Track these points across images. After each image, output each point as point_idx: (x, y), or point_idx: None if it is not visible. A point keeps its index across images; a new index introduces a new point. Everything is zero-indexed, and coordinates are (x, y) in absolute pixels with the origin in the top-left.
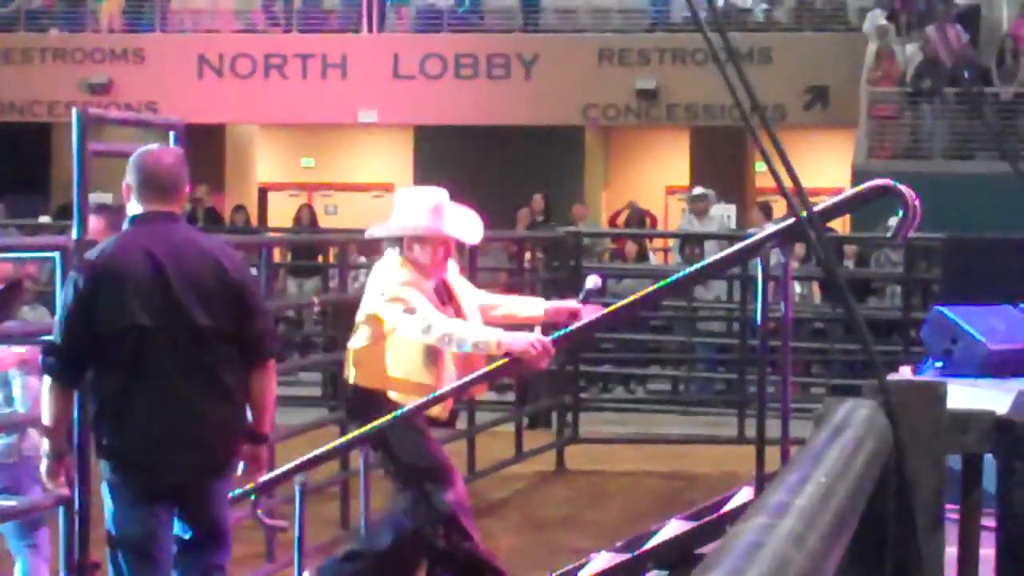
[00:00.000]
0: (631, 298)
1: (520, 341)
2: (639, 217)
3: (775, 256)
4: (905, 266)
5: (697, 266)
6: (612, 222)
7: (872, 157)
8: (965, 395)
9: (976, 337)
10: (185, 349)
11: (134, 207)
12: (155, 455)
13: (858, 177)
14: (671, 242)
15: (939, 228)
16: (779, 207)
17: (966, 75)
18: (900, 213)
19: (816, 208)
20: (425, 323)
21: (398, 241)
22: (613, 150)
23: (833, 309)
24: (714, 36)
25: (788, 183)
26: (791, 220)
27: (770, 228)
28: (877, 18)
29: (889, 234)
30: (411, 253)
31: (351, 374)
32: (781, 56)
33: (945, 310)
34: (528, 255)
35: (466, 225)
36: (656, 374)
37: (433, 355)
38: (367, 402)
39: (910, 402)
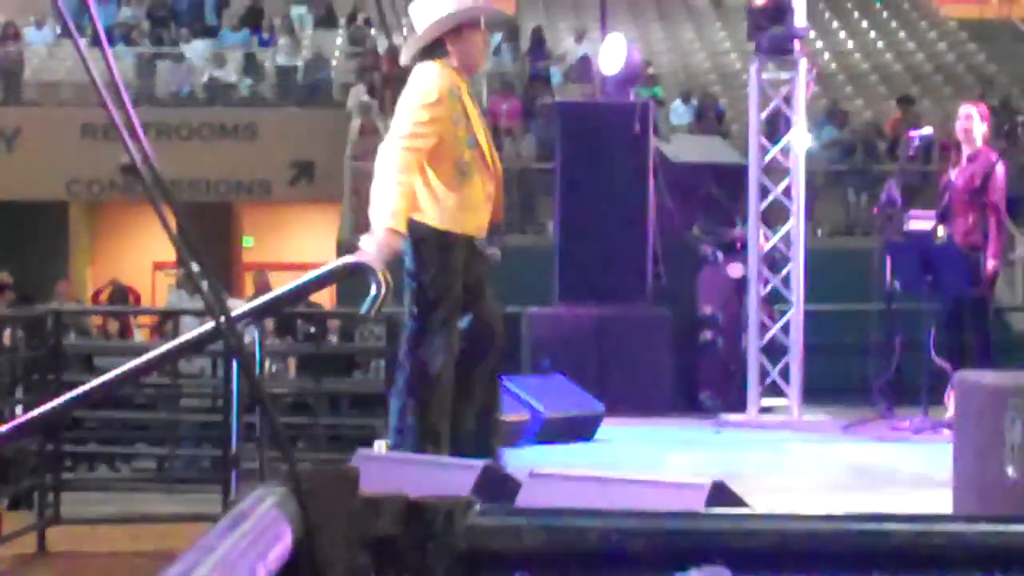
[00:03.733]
0: (109, 375)
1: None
2: (121, 294)
3: (249, 333)
4: (387, 339)
5: (167, 346)
6: (95, 299)
7: (357, 231)
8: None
9: None
10: None
11: None
12: None
13: (343, 251)
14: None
15: None
16: (273, 278)
17: None
18: (372, 290)
19: (285, 289)
20: (397, 158)
21: (434, 48)
22: (99, 226)
23: (317, 383)
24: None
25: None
26: (211, 324)
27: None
28: (359, 94)
29: (361, 311)
30: (454, 52)
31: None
32: (266, 131)
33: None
34: (8, 333)
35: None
36: (141, 452)
37: (465, 171)
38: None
39: (322, 487)
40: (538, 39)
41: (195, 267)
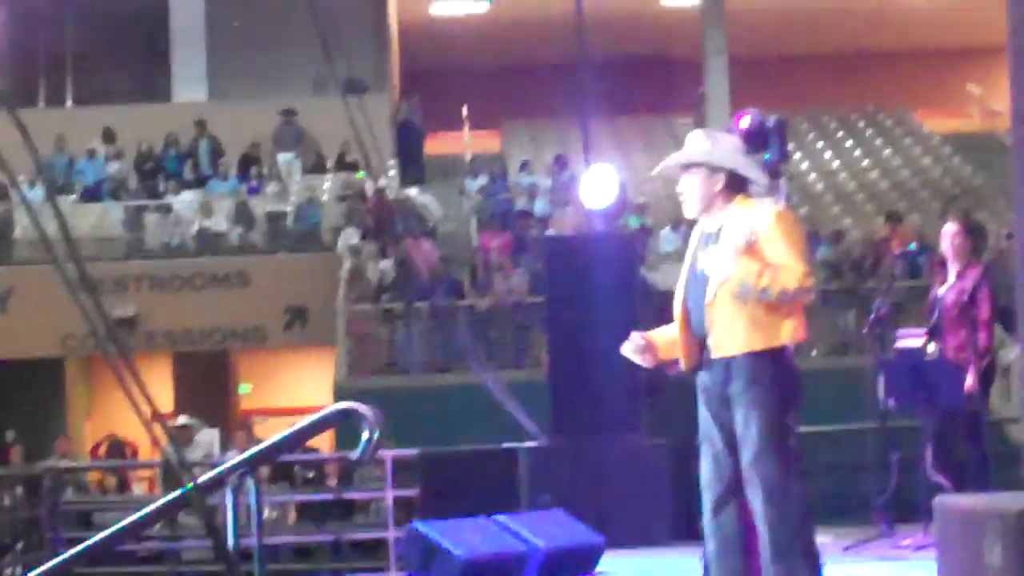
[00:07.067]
0: (107, 531)
1: None
2: (119, 447)
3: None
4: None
5: (153, 505)
6: (94, 453)
7: (353, 374)
8: None
9: (450, 551)
10: None
11: None
12: None
13: (340, 394)
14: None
15: (421, 442)
16: (260, 428)
17: (437, 290)
18: (365, 435)
19: (277, 438)
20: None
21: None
22: (95, 379)
23: (317, 529)
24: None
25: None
26: (179, 491)
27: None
28: (350, 237)
29: (354, 456)
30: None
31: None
32: (258, 278)
33: (419, 525)
34: (8, 494)
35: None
36: None
37: None
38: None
39: None
40: (526, 172)
41: (162, 429)
